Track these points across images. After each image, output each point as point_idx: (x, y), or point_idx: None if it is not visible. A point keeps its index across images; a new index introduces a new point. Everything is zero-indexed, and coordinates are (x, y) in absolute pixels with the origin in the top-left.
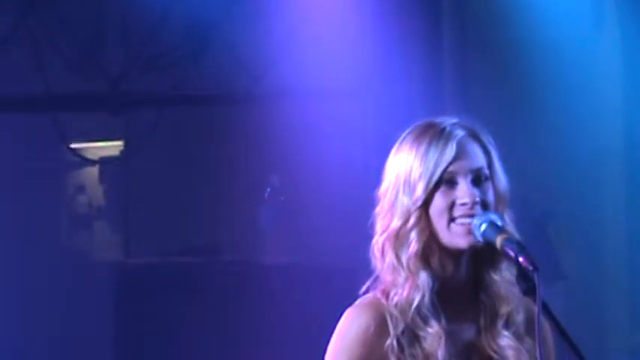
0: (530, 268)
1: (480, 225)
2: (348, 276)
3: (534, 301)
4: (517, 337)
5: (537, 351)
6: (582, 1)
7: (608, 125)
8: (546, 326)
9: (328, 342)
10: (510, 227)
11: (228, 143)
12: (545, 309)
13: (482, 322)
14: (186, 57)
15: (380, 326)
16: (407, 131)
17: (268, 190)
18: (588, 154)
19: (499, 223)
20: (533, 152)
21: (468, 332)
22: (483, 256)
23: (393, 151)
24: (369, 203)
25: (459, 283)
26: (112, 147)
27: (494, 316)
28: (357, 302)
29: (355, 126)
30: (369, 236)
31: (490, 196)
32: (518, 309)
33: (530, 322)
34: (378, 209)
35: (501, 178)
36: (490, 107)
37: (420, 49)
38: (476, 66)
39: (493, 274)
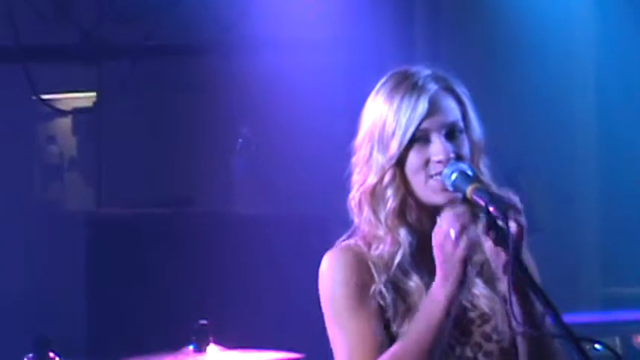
0: (501, 217)
1: (451, 175)
2: (322, 225)
3: (506, 250)
4: (491, 285)
5: (509, 300)
6: None
7: (580, 78)
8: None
9: (303, 290)
10: (486, 176)
11: (201, 94)
12: (517, 260)
13: None
14: (158, 7)
15: (365, 271)
16: (383, 80)
17: (240, 140)
18: (560, 106)
19: (469, 172)
20: (504, 103)
21: None
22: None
23: (369, 98)
24: (340, 152)
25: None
26: (84, 98)
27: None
28: (338, 246)
29: (326, 76)
30: (341, 185)
31: (465, 149)
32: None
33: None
34: (354, 159)
35: (476, 128)
36: (461, 57)
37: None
38: (447, 16)
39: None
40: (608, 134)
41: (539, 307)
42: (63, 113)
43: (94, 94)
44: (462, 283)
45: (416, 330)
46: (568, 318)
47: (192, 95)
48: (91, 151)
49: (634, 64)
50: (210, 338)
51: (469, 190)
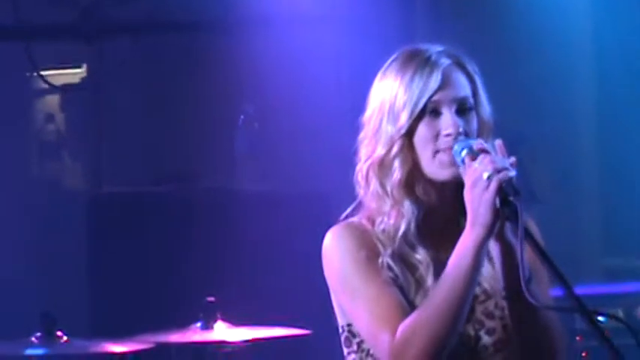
0: (512, 192)
1: (461, 151)
2: (326, 201)
3: (516, 225)
4: (492, 264)
5: (521, 275)
6: None
7: (580, 50)
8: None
9: (309, 267)
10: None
11: (203, 71)
12: (527, 233)
13: None
14: None
15: (370, 245)
16: (392, 57)
17: (242, 117)
18: (561, 79)
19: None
20: (505, 76)
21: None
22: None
23: (378, 77)
24: (343, 129)
25: (445, 212)
26: (85, 76)
27: None
28: (341, 223)
29: (328, 52)
30: (344, 161)
31: (473, 126)
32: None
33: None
34: (361, 135)
35: (485, 107)
36: (462, 32)
37: None
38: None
39: None
40: (609, 109)
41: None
42: (63, 91)
43: (94, 71)
44: (491, 230)
45: (445, 281)
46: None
47: (194, 72)
48: (92, 130)
49: (633, 35)
50: (218, 315)
51: None
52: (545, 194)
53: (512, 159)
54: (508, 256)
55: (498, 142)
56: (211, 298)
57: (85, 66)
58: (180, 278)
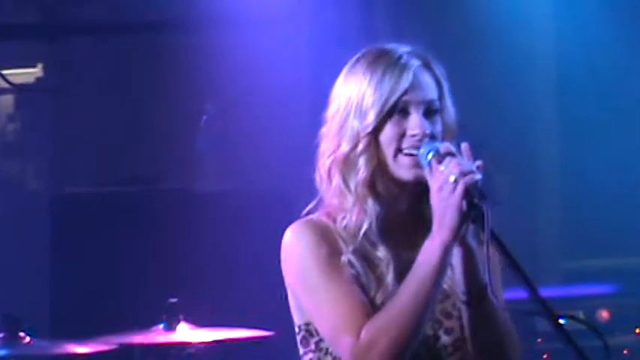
0: (478, 196)
1: (427, 154)
2: (288, 201)
3: (482, 229)
4: (451, 266)
5: (487, 278)
6: None
7: (542, 56)
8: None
9: (271, 267)
10: None
11: (165, 70)
12: (493, 236)
13: (419, 249)
14: None
15: (332, 242)
16: (358, 55)
17: (204, 117)
18: (522, 82)
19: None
20: (468, 80)
21: (409, 259)
22: (423, 186)
23: (342, 74)
24: (304, 127)
25: (403, 211)
26: (47, 75)
27: None
28: (301, 220)
29: (290, 52)
30: (305, 160)
31: (438, 129)
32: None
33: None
34: (323, 130)
35: (450, 111)
36: (422, 35)
37: None
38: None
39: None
40: (570, 112)
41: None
42: (23, 91)
43: (56, 71)
44: (457, 232)
45: (410, 283)
46: (526, 292)
47: (156, 72)
48: (53, 130)
49: (595, 39)
50: (181, 316)
51: None
52: (505, 197)
53: (479, 162)
54: (468, 259)
55: (464, 145)
56: (174, 300)
57: (44, 66)
58: (143, 279)
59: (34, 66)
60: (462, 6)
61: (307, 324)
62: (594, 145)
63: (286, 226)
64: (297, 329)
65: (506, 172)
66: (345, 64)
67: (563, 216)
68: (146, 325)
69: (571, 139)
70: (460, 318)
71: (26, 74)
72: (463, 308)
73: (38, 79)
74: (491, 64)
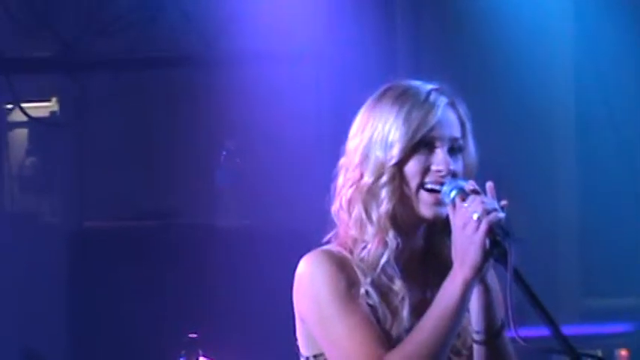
0: (501, 234)
1: (450, 191)
2: (307, 237)
3: (505, 267)
4: None
5: (510, 318)
6: None
7: (560, 87)
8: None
9: (289, 303)
10: None
11: (184, 106)
12: (517, 275)
13: (432, 285)
14: (140, 20)
15: (349, 272)
16: (382, 90)
17: (224, 153)
18: (541, 116)
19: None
20: (484, 116)
21: (420, 294)
22: (440, 224)
23: (366, 108)
24: (325, 164)
25: (419, 246)
26: (65, 110)
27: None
28: (317, 250)
29: (309, 87)
30: (324, 197)
31: (460, 167)
32: None
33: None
34: (343, 162)
35: (472, 151)
36: (442, 70)
37: (373, 12)
38: (428, 29)
39: (448, 240)
40: (588, 145)
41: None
42: (43, 124)
43: (74, 105)
44: (479, 270)
45: (431, 318)
46: (546, 330)
47: (176, 108)
48: (73, 164)
49: (613, 68)
50: (200, 352)
51: None
52: (523, 233)
53: (504, 202)
54: (485, 297)
55: (489, 184)
56: (193, 335)
57: (58, 99)
58: (161, 314)
59: (48, 100)
60: (482, 38)
61: (316, 356)
62: (614, 181)
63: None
64: None
65: (523, 209)
66: (365, 100)
67: (583, 253)
68: None
69: (590, 174)
70: (470, 357)
71: (41, 108)
72: (476, 347)
73: (52, 113)
74: (511, 96)
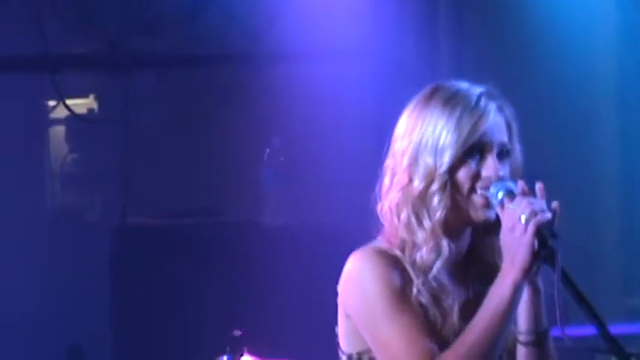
0: (550, 236)
1: (497, 193)
2: (351, 236)
3: (552, 267)
4: None
5: (558, 317)
6: None
7: (602, 90)
8: None
9: (332, 302)
10: None
11: (229, 104)
12: (565, 276)
13: (474, 286)
14: (185, 18)
15: (401, 271)
16: (428, 92)
17: (268, 151)
18: (584, 115)
19: (516, 191)
20: (527, 118)
21: (464, 294)
22: (492, 225)
23: (411, 110)
24: (368, 163)
25: (461, 248)
26: (110, 108)
27: (489, 281)
28: (366, 248)
29: (353, 86)
30: (367, 196)
31: (507, 171)
32: None
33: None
34: (389, 163)
35: (518, 154)
36: (484, 73)
37: (415, 10)
38: (471, 29)
39: (496, 241)
40: (632, 143)
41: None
42: (87, 121)
43: (120, 103)
44: (528, 271)
45: (480, 321)
46: (591, 330)
47: (220, 106)
48: (118, 161)
49: None
50: (244, 349)
51: None
52: (565, 233)
53: (555, 203)
54: (534, 299)
55: (539, 185)
56: (238, 332)
57: (108, 97)
58: (205, 311)
59: (90, 97)
60: (525, 30)
61: (360, 353)
62: None
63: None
64: (345, 358)
65: (565, 209)
66: (408, 99)
67: (624, 252)
68: (209, 357)
69: (633, 175)
70: (511, 359)
71: (83, 105)
72: (521, 348)
73: (92, 110)
74: (553, 91)
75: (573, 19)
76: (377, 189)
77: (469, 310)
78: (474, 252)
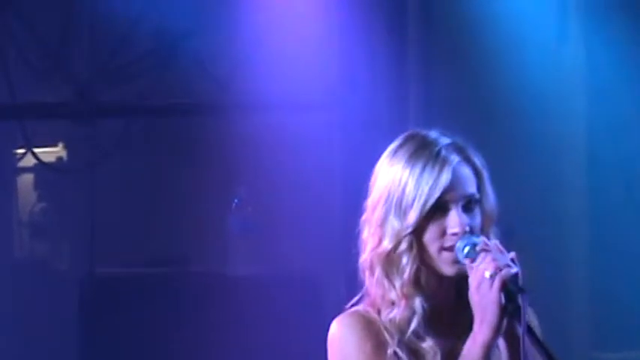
0: (515, 290)
1: (463, 248)
2: (319, 285)
3: (519, 321)
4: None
5: None
6: (547, 11)
7: (571, 137)
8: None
9: (299, 350)
10: None
11: (195, 153)
12: (530, 331)
13: (467, 336)
14: (154, 67)
15: (377, 334)
16: (397, 142)
17: (236, 201)
18: (552, 167)
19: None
20: (496, 166)
21: (455, 347)
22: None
23: (383, 160)
24: (336, 212)
25: (447, 301)
26: (77, 156)
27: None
28: (347, 311)
29: (321, 137)
30: (336, 247)
31: (477, 220)
32: None
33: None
34: (365, 217)
35: (490, 199)
36: (455, 117)
37: (385, 59)
38: (440, 74)
39: None
40: (600, 194)
41: None
42: (55, 170)
43: (86, 152)
44: (497, 329)
45: None
46: None
47: (187, 155)
48: (83, 210)
49: (625, 117)
50: None
51: None
52: (533, 285)
53: (512, 254)
54: (513, 348)
55: (494, 242)
56: None
57: (74, 146)
58: None
59: (57, 145)
60: (494, 86)
61: None
62: (625, 235)
63: (318, 310)
64: None
65: (533, 261)
66: (377, 147)
67: (592, 305)
68: None
69: (601, 228)
70: None
71: (50, 154)
72: None
73: (60, 159)
74: (520, 148)
75: (543, 66)
76: (359, 242)
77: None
78: (457, 305)
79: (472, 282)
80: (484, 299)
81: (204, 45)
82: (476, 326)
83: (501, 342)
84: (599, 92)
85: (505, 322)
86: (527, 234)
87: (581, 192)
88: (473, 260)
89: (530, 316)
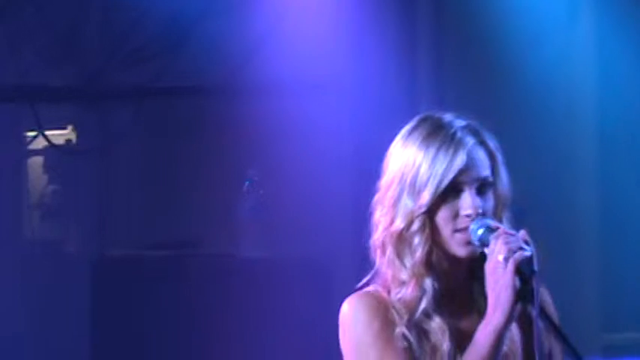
0: (529, 272)
1: (477, 230)
2: (328, 268)
3: (532, 304)
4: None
5: (537, 354)
6: None
7: (582, 123)
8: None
9: (308, 334)
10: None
11: (207, 136)
12: (542, 312)
13: (479, 317)
14: (166, 49)
15: (387, 314)
16: (412, 124)
17: (247, 183)
18: (563, 151)
19: (494, 227)
20: (507, 149)
21: (468, 326)
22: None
23: (397, 143)
24: (346, 196)
25: (459, 281)
26: (88, 139)
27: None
28: (358, 292)
29: (333, 119)
30: (347, 229)
31: (491, 203)
32: None
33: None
34: (377, 198)
35: (504, 182)
36: (465, 104)
37: (395, 44)
38: (451, 60)
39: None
40: (611, 178)
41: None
42: (67, 153)
43: (98, 134)
44: (511, 314)
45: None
46: None
47: (198, 137)
48: (95, 192)
49: (636, 102)
50: None
51: None
52: (544, 268)
53: (522, 232)
54: (527, 332)
55: (502, 228)
56: None
57: (85, 128)
58: (182, 345)
59: (67, 128)
60: (504, 73)
61: None
62: (636, 214)
63: (327, 293)
64: None
65: (545, 243)
66: (388, 130)
67: (603, 287)
68: None
69: (612, 209)
70: None
71: (60, 136)
72: None
73: (70, 142)
74: (532, 134)
75: (554, 50)
76: (371, 225)
77: (463, 339)
78: (469, 285)
79: (488, 266)
80: (498, 283)
81: (216, 28)
82: (490, 310)
83: (514, 326)
84: (611, 75)
85: (519, 306)
86: (538, 218)
87: (592, 175)
88: (487, 244)
89: (544, 295)
